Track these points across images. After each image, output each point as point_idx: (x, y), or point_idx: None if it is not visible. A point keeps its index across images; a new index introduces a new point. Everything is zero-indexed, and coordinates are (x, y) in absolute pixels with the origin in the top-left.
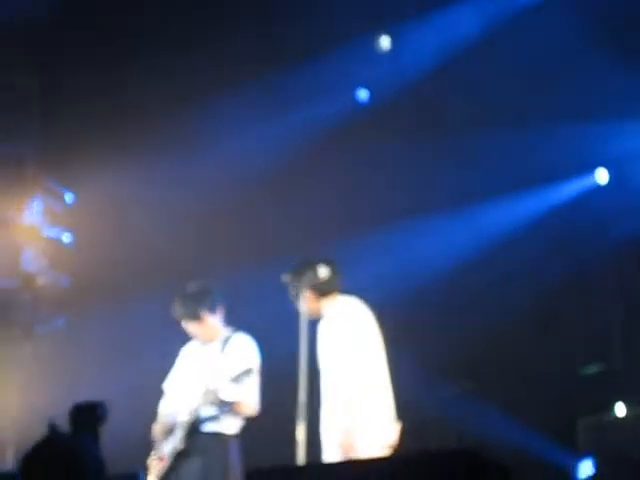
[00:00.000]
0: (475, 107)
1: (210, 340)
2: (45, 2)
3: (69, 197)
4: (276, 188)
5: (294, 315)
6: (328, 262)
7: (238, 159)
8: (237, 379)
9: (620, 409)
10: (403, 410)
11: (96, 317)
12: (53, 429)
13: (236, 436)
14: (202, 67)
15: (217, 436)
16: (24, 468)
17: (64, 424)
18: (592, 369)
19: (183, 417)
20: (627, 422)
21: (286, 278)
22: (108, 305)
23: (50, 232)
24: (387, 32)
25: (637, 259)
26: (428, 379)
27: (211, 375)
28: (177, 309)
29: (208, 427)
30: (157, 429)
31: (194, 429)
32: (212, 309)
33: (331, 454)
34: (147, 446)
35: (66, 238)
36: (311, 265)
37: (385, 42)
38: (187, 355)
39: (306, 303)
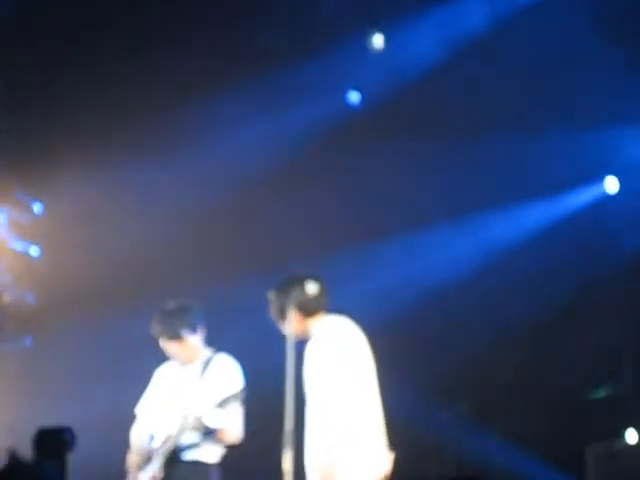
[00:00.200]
0: (476, 110)
1: (189, 361)
2: (13, 1)
3: (37, 207)
4: (262, 197)
5: (279, 335)
6: (316, 278)
7: (223, 165)
8: (222, 404)
9: (631, 436)
10: (398, 435)
11: (65, 336)
12: (13, 457)
13: (218, 465)
14: (187, 66)
15: (198, 465)
16: None
17: (27, 450)
18: (601, 392)
19: (161, 444)
20: (639, 450)
21: (271, 295)
22: (78, 323)
23: (16, 245)
24: (380, 30)
25: None
26: (425, 401)
27: (191, 399)
28: (155, 327)
29: (189, 455)
30: (132, 458)
31: (174, 457)
32: (193, 328)
33: None
34: (122, 475)
35: (34, 251)
36: (299, 281)
37: (378, 41)
38: (163, 377)
39: (292, 323)
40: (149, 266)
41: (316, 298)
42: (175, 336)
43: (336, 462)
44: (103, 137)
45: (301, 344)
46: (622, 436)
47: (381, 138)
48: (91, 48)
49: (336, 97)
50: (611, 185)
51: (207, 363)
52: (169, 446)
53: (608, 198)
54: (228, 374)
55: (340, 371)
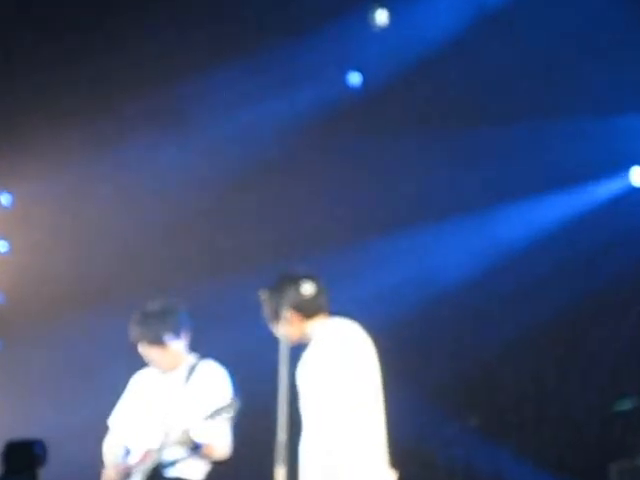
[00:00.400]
0: (490, 95)
1: (171, 368)
2: None
3: (5, 198)
4: (253, 187)
5: (270, 340)
6: (312, 278)
7: (211, 154)
8: (213, 416)
9: None
10: (402, 451)
11: (37, 339)
12: None
13: None
14: (176, 46)
15: None
16: None
17: None
18: (626, 404)
19: (140, 460)
20: None
21: (264, 295)
22: (51, 325)
23: None
24: (384, 5)
25: None
26: (431, 414)
27: (175, 410)
28: (135, 330)
29: (172, 472)
30: (108, 475)
31: (155, 475)
32: (176, 332)
33: None
34: None
35: (1, 247)
36: (293, 281)
37: (382, 17)
38: (140, 385)
39: (287, 325)
40: (129, 264)
41: (315, 298)
42: (157, 341)
43: (340, 466)
44: (81, 119)
45: (296, 349)
46: None
47: (385, 124)
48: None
49: (335, 79)
50: (637, 177)
51: (192, 370)
52: (150, 462)
53: (634, 191)
54: (216, 382)
55: (342, 378)
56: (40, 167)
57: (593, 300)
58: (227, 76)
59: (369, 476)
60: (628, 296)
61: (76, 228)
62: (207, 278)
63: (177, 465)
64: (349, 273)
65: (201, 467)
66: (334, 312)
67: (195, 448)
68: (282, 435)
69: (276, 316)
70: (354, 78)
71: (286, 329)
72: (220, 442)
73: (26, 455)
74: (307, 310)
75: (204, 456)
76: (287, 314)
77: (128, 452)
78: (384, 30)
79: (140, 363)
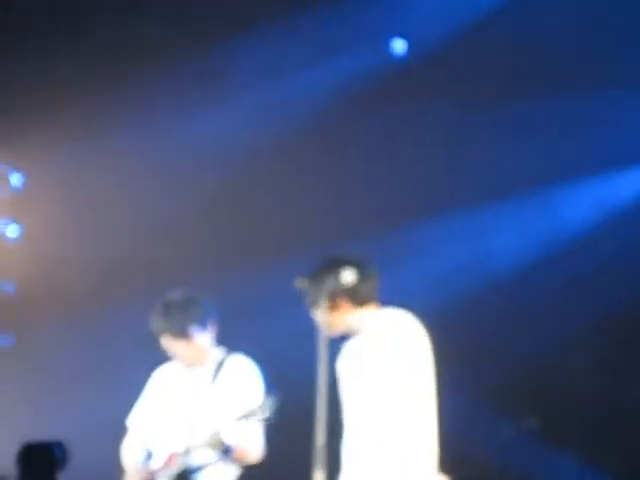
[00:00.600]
0: (548, 64)
1: (197, 363)
2: None
3: (16, 179)
4: (287, 164)
5: (306, 331)
6: (358, 263)
7: (238, 130)
8: (245, 417)
9: None
10: (452, 455)
11: (51, 332)
12: None
13: None
14: (197, 13)
15: None
16: None
17: (10, 469)
18: None
19: (164, 464)
20: None
21: (302, 283)
22: (66, 317)
23: None
24: None
25: None
26: (485, 414)
27: (202, 410)
28: (157, 323)
29: (200, 478)
30: None
31: None
32: (202, 324)
33: None
34: None
35: (11, 232)
36: (334, 268)
37: None
38: (162, 382)
39: (336, 313)
40: (150, 251)
41: (367, 284)
42: (181, 334)
43: (388, 459)
44: (97, 93)
45: (333, 344)
46: None
47: (431, 96)
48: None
49: (377, 46)
50: None
51: (220, 365)
52: (175, 467)
53: None
54: (247, 379)
55: (395, 369)
56: (53, 145)
57: None
58: (261, 43)
59: (418, 470)
60: None
61: (93, 210)
62: (237, 264)
63: (205, 470)
64: (395, 258)
65: (231, 472)
66: (380, 301)
67: (226, 451)
68: (321, 437)
69: (318, 304)
70: (398, 45)
71: (334, 317)
72: (252, 445)
73: (45, 458)
74: (359, 297)
75: (235, 460)
76: (337, 300)
77: (150, 455)
78: None
79: (163, 357)
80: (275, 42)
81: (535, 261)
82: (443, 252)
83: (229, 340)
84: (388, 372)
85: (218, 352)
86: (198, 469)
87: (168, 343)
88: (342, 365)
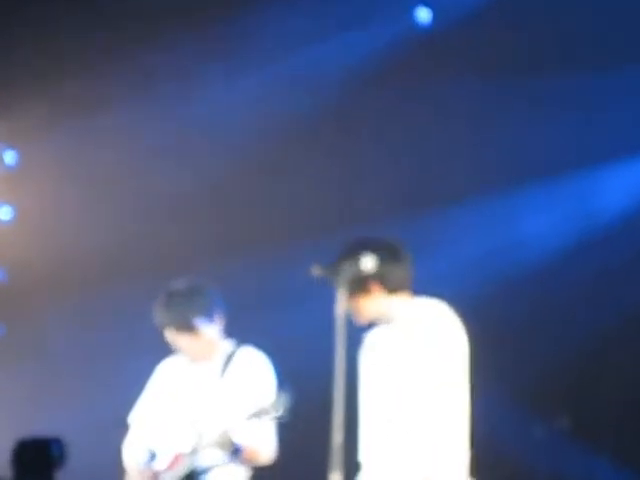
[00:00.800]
0: (578, 38)
1: (204, 358)
2: None
3: (10, 157)
4: (300, 147)
5: (324, 323)
6: (389, 248)
7: (244, 107)
8: (257, 415)
9: None
10: (481, 456)
11: (45, 322)
12: None
13: None
14: None
15: None
16: None
17: (4, 468)
18: None
19: (169, 465)
20: None
21: (317, 271)
22: (62, 306)
23: None
24: None
25: None
26: (514, 413)
27: (211, 407)
28: (160, 316)
29: None
30: None
31: None
32: (209, 315)
33: None
34: None
35: (4, 214)
36: (353, 255)
37: None
38: (167, 376)
39: (368, 299)
40: (153, 235)
41: (399, 270)
42: (186, 326)
43: (419, 448)
44: (98, 68)
45: (355, 335)
46: None
47: (457, 70)
48: None
49: (400, 15)
50: None
51: (229, 359)
52: (181, 468)
53: None
54: (258, 374)
55: (428, 363)
56: (50, 119)
57: None
58: (274, 16)
59: (449, 460)
60: None
61: (92, 192)
62: (245, 250)
63: (213, 471)
64: (423, 244)
65: (242, 474)
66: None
67: (235, 452)
68: (338, 436)
69: (346, 289)
70: (422, 14)
71: (365, 303)
72: (264, 445)
73: (41, 455)
74: (390, 283)
75: (245, 461)
76: (368, 285)
77: (153, 455)
78: None
79: (167, 350)
80: (290, 15)
81: (568, 249)
82: (472, 239)
83: (238, 332)
84: (420, 361)
85: (227, 345)
86: (206, 471)
87: (172, 336)
88: (368, 354)
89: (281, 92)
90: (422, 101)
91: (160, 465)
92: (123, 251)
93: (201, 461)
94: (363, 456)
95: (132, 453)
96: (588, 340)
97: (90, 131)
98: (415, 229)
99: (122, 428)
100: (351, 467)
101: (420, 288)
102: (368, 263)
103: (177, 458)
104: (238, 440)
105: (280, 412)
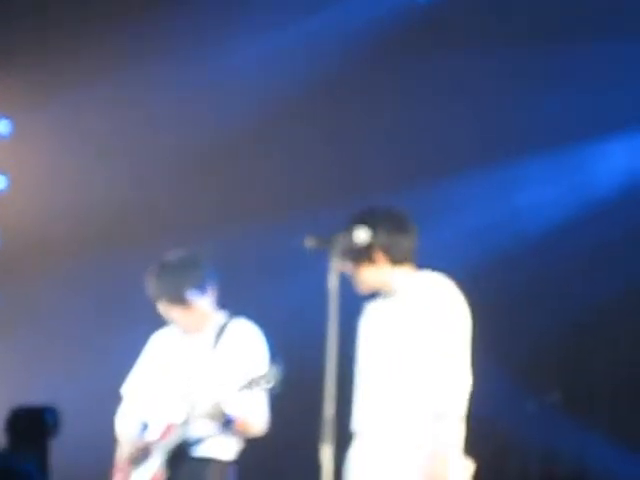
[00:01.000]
0: (581, 7)
1: (197, 329)
2: None
3: (4, 126)
4: (300, 114)
5: (317, 294)
6: (393, 218)
7: (240, 78)
8: (249, 386)
9: None
10: (474, 430)
11: (40, 291)
12: None
13: (234, 462)
14: None
15: (212, 463)
16: None
17: None
18: None
19: (161, 436)
20: None
21: (310, 242)
22: (56, 275)
23: None
24: None
25: None
26: (508, 387)
27: (203, 378)
28: (152, 287)
29: (199, 451)
30: (124, 452)
31: (180, 453)
32: (201, 287)
33: None
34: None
35: None
36: (349, 226)
37: None
38: (160, 348)
39: (372, 268)
40: (147, 205)
41: (404, 241)
42: (178, 299)
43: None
44: (94, 37)
45: (348, 307)
46: None
47: (456, 44)
48: None
49: None
50: None
51: (221, 331)
52: (173, 438)
53: None
54: (251, 345)
55: (429, 334)
56: (46, 90)
57: None
58: None
59: (448, 425)
60: None
61: (86, 161)
62: (241, 222)
63: (205, 442)
64: (422, 216)
65: (233, 445)
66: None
67: (227, 423)
68: (329, 408)
69: (349, 258)
70: None
71: (368, 272)
72: (256, 416)
73: (35, 423)
74: (394, 253)
75: (237, 432)
76: (372, 255)
77: (145, 426)
78: None
79: (161, 320)
80: None
81: (565, 222)
82: (471, 211)
83: (231, 304)
84: (421, 331)
85: (219, 316)
86: (197, 441)
87: (164, 308)
88: (368, 324)
89: (281, 62)
90: (423, 73)
91: (152, 435)
92: (119, 220)
93: (193, 432)
94: (358, 425)
95: (125, 424)
96: (584, 313)
97: (84, 100)
98: (414, 201)
99: (116, 396)
100: (343, 439)
101: (420, 259)
102: (361, 235)
103: (169, 428)
104: (230, 411)
105: (272, 383)
